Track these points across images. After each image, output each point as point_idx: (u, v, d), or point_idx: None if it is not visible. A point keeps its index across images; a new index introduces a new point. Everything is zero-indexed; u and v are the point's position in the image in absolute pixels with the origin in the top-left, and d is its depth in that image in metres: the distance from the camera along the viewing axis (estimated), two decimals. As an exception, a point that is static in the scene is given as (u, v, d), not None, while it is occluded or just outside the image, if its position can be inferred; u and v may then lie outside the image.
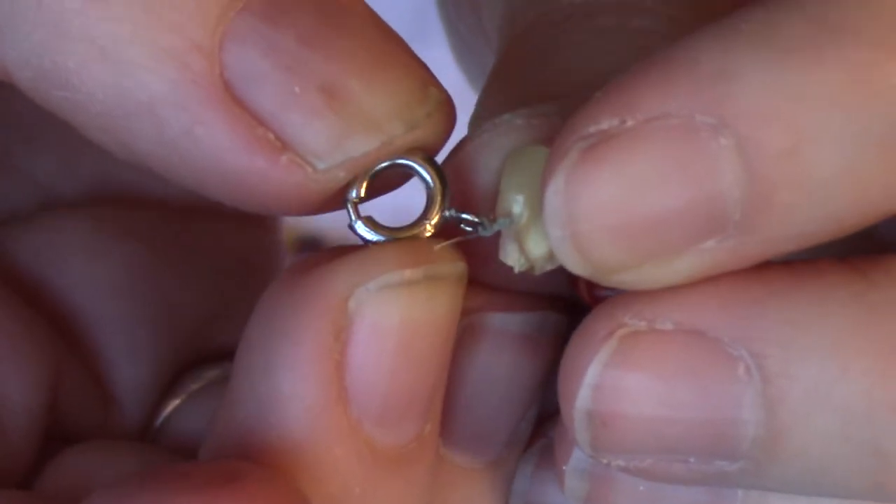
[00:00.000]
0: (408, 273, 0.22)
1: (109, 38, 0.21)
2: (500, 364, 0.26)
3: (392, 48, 0.23)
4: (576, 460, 0.25)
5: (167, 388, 0.30)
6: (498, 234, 0.24)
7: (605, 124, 0.20)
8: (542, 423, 0.27)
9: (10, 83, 0.23)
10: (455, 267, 0.23)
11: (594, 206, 0.20)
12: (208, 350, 0.31)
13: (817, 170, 0.19)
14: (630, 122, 0.20)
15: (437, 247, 0.23)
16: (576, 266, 0.21)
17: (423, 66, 0.24)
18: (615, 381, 0.21)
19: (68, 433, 0.29)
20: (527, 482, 0.27)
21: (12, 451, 0.27)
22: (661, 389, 0.21)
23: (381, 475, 0.23)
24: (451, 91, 0.24)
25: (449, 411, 0.25)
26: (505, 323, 0.26)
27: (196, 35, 0.21)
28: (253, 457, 0.22)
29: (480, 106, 0.30)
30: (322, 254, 0.24)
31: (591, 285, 0.23)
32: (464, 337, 0.25)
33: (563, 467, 0.25)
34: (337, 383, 0.22)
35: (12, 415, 0.27)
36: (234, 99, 0.22)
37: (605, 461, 0.22)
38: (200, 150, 0.22)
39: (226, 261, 0.32)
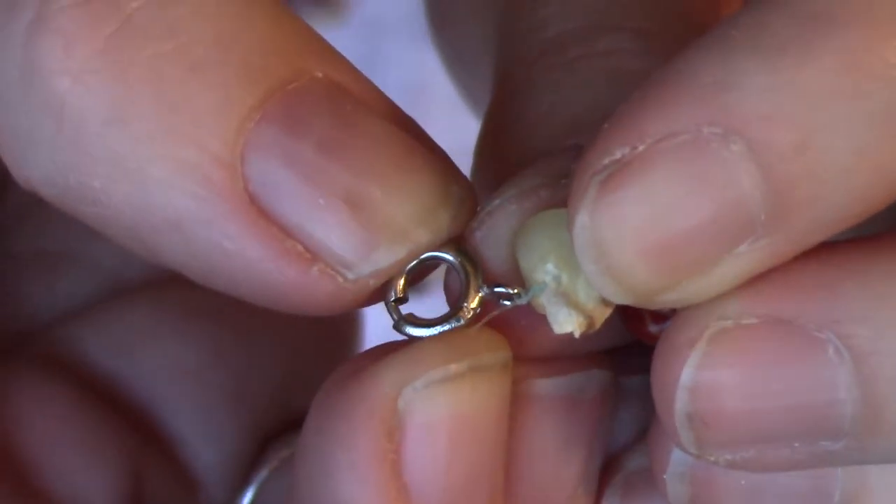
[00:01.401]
0: (452, 368, 0.23)
1: (131, 157, 0.21)
2: (551, 429, 0.25)
3: (412, 148, 0.23)
4: (674, 465, 0.25)
5: (253, 460, 0.31)
6: (531, 309, 0.24)
7: (617, 154, 0.20)
8: (611, 463, 0.28)
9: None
10: (498, 356, 0.23)
11: (621, 233, 0.20)
12: (295, 414, 0.31)
13: (830, 158, 0.20)
14: (641, 147, 0.20)
15: (477, 330, 0.23)
16: (618, 296, 0.21)
17: (445, 162, 0.23)
18: (710, 381, 0.21)
19: None
20: None
21: None
22: (756, 381, 0.21)
23: None
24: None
25: (505, 480, 0.25)
26: (550, 388, 0.25)
27: (217, 148, 0.21)
28: None
29: (478, 157, 0.29)
30: (367, 353, 0.24)
31: (656, 317, 0.24)
32: (511, 406, 0.25)
33: (664, 476, 0.25)
34: (395, 482, 0.22)
35: None
36: (259, 212, 0.21)
37: (711, 458, 0.22)
38: (231, 262, 0.22)
39: (300, 324, 0.32)
